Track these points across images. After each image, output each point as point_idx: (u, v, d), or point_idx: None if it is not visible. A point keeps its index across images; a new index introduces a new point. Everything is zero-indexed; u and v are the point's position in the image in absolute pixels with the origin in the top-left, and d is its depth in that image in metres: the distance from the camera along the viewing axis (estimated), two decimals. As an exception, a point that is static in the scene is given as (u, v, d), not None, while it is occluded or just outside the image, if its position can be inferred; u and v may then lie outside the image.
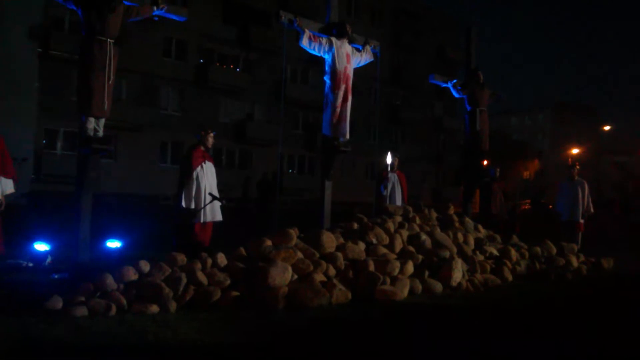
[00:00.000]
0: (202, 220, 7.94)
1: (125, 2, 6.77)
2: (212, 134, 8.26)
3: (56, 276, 6.94)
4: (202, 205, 7.87)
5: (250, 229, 11.87)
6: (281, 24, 8.33)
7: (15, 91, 22.04)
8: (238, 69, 32.97)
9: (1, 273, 6.57)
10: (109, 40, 6.54)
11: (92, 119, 6.57)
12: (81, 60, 6.60)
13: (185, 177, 7.95)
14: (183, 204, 7.90)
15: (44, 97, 24.19)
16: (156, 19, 7.39)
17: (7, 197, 6.54)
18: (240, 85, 31.97)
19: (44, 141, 26.02)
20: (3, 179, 6.28)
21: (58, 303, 5.13)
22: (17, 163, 6.89)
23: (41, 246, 7.83)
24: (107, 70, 6.53)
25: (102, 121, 6.70)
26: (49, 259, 7.77)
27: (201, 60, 31.34)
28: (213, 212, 8.04)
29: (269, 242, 6.50)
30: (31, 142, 23.62)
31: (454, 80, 11.34)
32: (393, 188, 10.72)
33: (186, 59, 30.66)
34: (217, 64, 31.94)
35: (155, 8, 7.11)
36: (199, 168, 7.96)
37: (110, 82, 6.57)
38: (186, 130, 28.69)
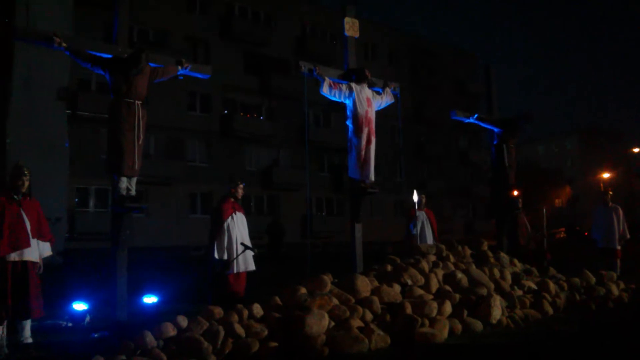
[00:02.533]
0: (235, 271, 7.99)
1: (151, 65, 6.99)
2: (241, 185, 8.39)
3: (96, 335, 7.01)
4: (235, 256, 7.94)
5: (283, 275, 11.88)
6: (302, 74, 8.51)
7: (46, 152, 22.62)
8: (261, 117, 33.50)
9: (41, 334, 6.65)
10: (136, 101, 6.73)
11: (124, 179, 6.72)
12: (110, 122, 6.78)
13: (217, 229, 8.04)
14: (216, 255, 7.98)
15: (74, 157, 24.79)
16: (181, 77, 7.61)
17: (44, 259, 6.67)
18: (264, 133, 32.43)
19: (76, 200, 26.54)
20: (41, 243, 6.43)
21: (99, 363, 5.17)
22: (51, 223, 7.06)
23: (80, 305, 7.93)
24: (136, 130, 6.70)
25: (134, 180, 6.84)
26: (87, 318, 7.85)
27: (225, 111, 31.93)
28: (246, 262, 8.11)
29: (303, 290, 6.49)
30: (64, 201, 24.12)
31: (476, 115, 11.38)
32: (422, 226, 10.67)
33: (211, 111, 31.27)
34: (241, 114, 32.50)
35: (180, 67, 7.33)
36: (229, 219, 8.07)
37: (139, 142, 6.73)
38: (214, 180, 29.09)
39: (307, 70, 8.41)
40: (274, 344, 5.75)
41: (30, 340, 6.28)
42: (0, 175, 10.23)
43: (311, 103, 31.63)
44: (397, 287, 7.04)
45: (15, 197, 6.28)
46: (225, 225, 8.00)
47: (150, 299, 8.44)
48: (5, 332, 6.12)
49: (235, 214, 8.20)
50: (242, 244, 7.87)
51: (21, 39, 6.98)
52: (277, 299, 6.43)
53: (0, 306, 6.02)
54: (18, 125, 10.95)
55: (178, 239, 26.89)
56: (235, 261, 7.97)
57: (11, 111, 10.84)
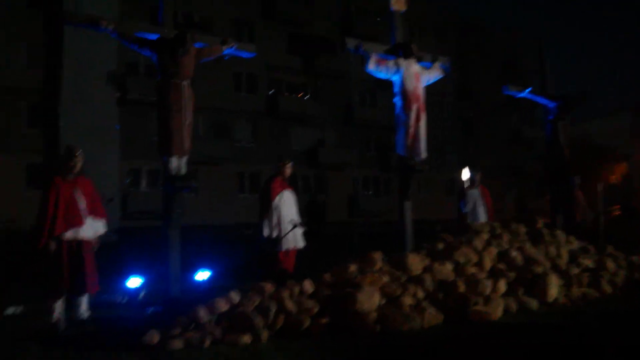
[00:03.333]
0: (284, 248, 8.01)
1: (197, 45, 7.00)
2: (289, 164, 8.36)
3: (150, 310, 7.16)
4: (284, 234, 7.96)
5: (331, 253, 11.88)
6: (347, 50, 8.39)
7: (98, 135, 23.15)
8: (307, 97, 33.46)
9: (97, 309, 6.82)
10: (183, 82, 6.76)
11: (174, 159, 6.79)
12: (159, 103, 6.83)
13: (265, 207, 8.07)
14: (265, 233, 8.02)
15: (124, 139, 25.30)
16: (227, 57, 7.61)
17: (99, 236, 6.81)
18: (310, 113, 32.40)
19: (129, 180, 27.17)
20: (95, 221, 6.57)
21: (155, 337, 5.27)
22: (105, 203, 7.22)
23: (134, 281, 8.12)
24: (184, 111, 6.74)
25: (184, 159, 6.91)
26: (142, 294, 8.03)
27: (271, 92, 32.03)
28: (295, 239, 8.11)
29: (353, 268, 6.45)
30: (116, 182, 24.70)
31: (529, 88, 11.04)
32: (475, 205, 10.45)
33: (256, 91, 31.41)
34: (286, 94, 32.54)
35: (225, 47, 7.32)
36: (277, 197, 8.07)
37: (188, 122, 6.78)
38: (261, 160, 29.31)
39: (353, 47, 8.30)
40: (325, 320, 5.75)
41: (87, 315, 6.45)
42: (55, 158, 10.48)
43: (357, 81, 31.57)
44: (449, 265, 6.93)
45: (69, 177, 6.41)
46: (274, 203, 8.02)
47: (202, 275, 8.57)
48: (63, 308, 6.30)
49: (283, 192, 8.20)
50: (291, 221, 7.90)
51: (70, 23, 7.09)
52: (328, 276, 6.42)
53: (58, 282, 6.19)
54: (70, 109, 11.19)
55: (227, 218, 27.24)
56: (284, 238, 7.99)
57: (63, 95, 11.07)
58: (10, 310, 7.56)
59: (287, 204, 8.17)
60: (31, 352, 5.26)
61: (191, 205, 23.78)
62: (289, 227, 7.91)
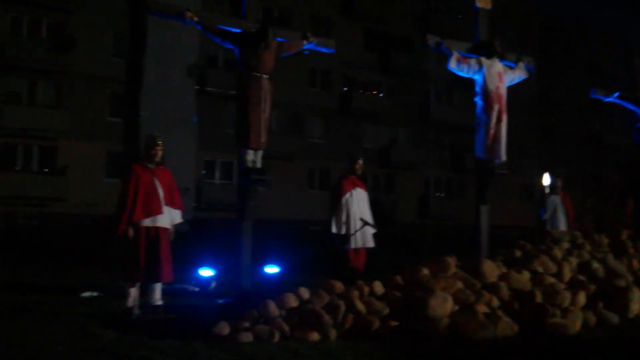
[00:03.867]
0: (353, 246, 7.93)
1: (278, 39, 7.01)
2: (360, 161, 8.26)
3: (221, 301, 7.26)
4: (353, 231, 7.88)
5: (400, 255, 11.72)
6: (427, 47, 8.20)
7: (176, 126, 23.77)
8: (381, 95, 33.24)
9: (170, 297, 6.96)
10: (263, 75, 6.79)
11: (250, 151, 6.82)
12: (239, 96, 6.88)
13: (335, 204, 8.01)
14: (333, 230, 7.96)
15: (201, 131, 25.91)
16: (306, 52, 7.59)
17: (175, 225, 6.95)
18: (383, 111, 32.18)
19: (204, 172, 27.82)
20: (172, 210, 6.69)
21: (225, 329, 5.31)
22: (181, 193, 7.38)
23: (206, 271, 8.26)
24: (263, 104, 6.76)
25: (260, 153, 6.94)
26: (213, 284, 8.16)
27: (345, 88, 31.99)
28: (364, 238, 8.00)
29: (426, 271, 6.30)
30: (192, 172, 25.34)
31: (617, 93, 10.48)
32: (555, 211, 10.03)
33: (330, 88, 31.46)
34: (360, 91, 32.43)
35: (305, 42, 7.30)
36: (348, 195, 7.99)
37: (266, 115, 6.80)
38: (332, 157, 29.34)
39: (434, 44, 8.09)
40: (395, 323, 5.64)
41: (160, 302, 6.59)
42: (135, 147, 10.80)
43: (433, 80, 31.07)
44: (526, 274, 6.65)
45: (149, 166, 6.56)
46: (344, 200, 7.95)
47: (272, 269, 8.63)
48: (138, 294, 6.46)
49: (354, 190, 8.10)
50: (361, 219, 7.81)
51: (154, 14, 7.22)
52: (399, 278, 6.29)
53: (134, 269, 6.35)
54: (151, 100, 11.51)
55: (296, 213, 27.47)
56: (353, 237, 7.91)
57: (144, 86, 11.38)
58: (86, 294, 7.86)
59: (357, 202, 8.07)
60: (105, 335, 5.42)
61: (261, 199, 24.09)
62: (358, 225, 7.83)
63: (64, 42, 25.52)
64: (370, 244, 8.08)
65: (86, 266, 11.27)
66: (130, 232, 6.30)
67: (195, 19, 6.60)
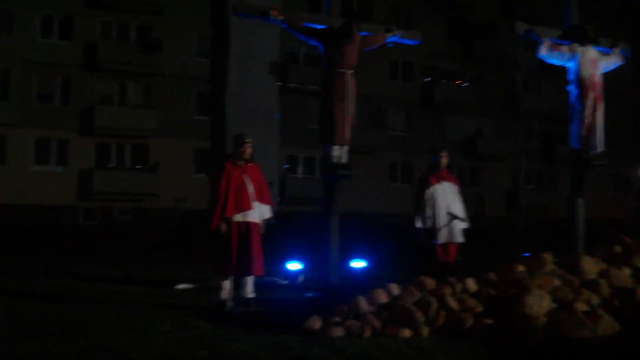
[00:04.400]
0: (440, 241, 7.76)
1: (361, 33, 6.97)
2: (443, 154, 8.06)
3: (309, 295, 7.34)
4: (439, 226, 7.70)
5: (489, 250, 11.44)
6: (515, 35, 7.94)
7: (260, 123, 24.22)
8: (464, 85, 32.50)
9: (259, 290, 7.10)
10: (347, 71, 6.79)
11: (336, 147, 6.85)
12: (323, 92, 6.92)
13: (419, 198, 7.87)
14: (418, 224, 7.82)
15: (284, 126, 26.27)
16: (391, 45, 7.50)
17: (264, 220, 7.08)
18: (467, 101, 31.46)
19: (286, 166, 28.23)
20: (262, 205, 6.83)
21: (317, 323, 5.36)
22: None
23: (294, 265, 8.38)
24: (347, 100, 6.76)
25: (345, 148, 6.95)
26: (301, 278, 8.26)
27: (426, 79, 31.51)
28: (451, 233, 7.79)
29: (521, 268, 6.10)
30: (275, 167, 25.79)
31: None
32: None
33: (412, 79, 31.08)
34: (443, 82, 31.85)
35: (389, 35, 7.22)
36: (432, 188, 7.80)
37: (351, 111, 6.80)
38: (414, 149, 29.00)
39: (523, 32, 7.83)
40: (489, 320, 5.50)
41: (252, 295, 6.74)
42: (220, 143, 11.08)
43: (519, 67, 30.02)
44: (627, 271, 6.32)
45: (239, 163, 6.72)
46: (428, 194, 7.76)
47: (358, 264, 8.63)
48: (230, 287, 6.63)
49: (440, 183, 7.91)
50: (448, 213, 7.61)
51: (240, 15, 7.37)
52: (492, 275, 6.13)
53: (226, 263, 6.52)
54: (235, 98, 11.78)
55: (378, 207, 27.38)
56: (440, 231, 7.73)
57: (229, 84, 11.66)
58: (181, 286, 8.15)
59: (444, 195, 7.88)
60: (201, 326, 5.60)
61: (344, 193, 24.16)
62: (446, 219, 7.64)
63: (151, 44, 26.58)
64: (459, 239, 7.86)
65: (178, 259, 11.74)
66: (223, 227, 6.48)
67: (280, 17, 6.69)
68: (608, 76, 8.30)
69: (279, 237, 11.84)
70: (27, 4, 24.67)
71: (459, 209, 7.65)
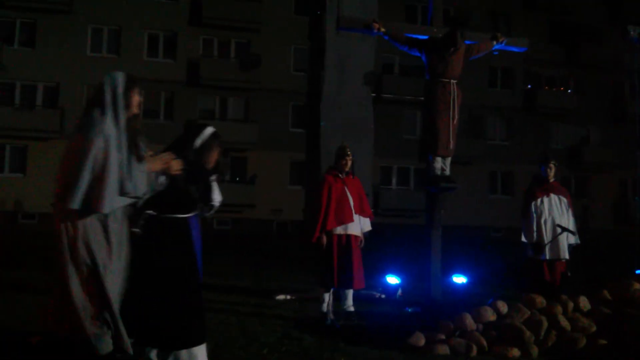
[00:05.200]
0: (545, 257, 7.41)
1: (466, 42, 6.82)
2: (551, 164, 7.69)
3: (410, 310, 7.22)
4: (545, 241, 7.36)
5: (597, 266, 10.83)
6: (627, 39, 7.51)
7: (355, 134, 24.31)
8: (569, 91, 31.14)
9: (357, 303, 7.07)
10: (452, 81, 6.65)
11: (439, 159, 6.71)
12: (426, 102, 6.81)
13: (524, 211, 7.57)
14: (523, 238, 7.53)
15: (378, 137, 26.18)
16: (496, 53, 7.28)
17: (364, 233, 7.06)
18: (571, 108, 30.09)
19: (381, 178, 28.13)
20: (362, 218, 6.83)
21: (421, 340, 5.27)
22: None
23: (392, 279, 8.28)
24: (451, 110, 6.62)
25: (449, 160, 6.80)
26: (399, 292, 8.15)
27: (528, 86, 30.46)
28: (557, 249, 7.40)
29: (637, 285, 5.72)
30: (369, 179, 25.75)
31: None
32: None
33: (512, 86, 30.14)
34: (546, 88, 30.65)
35: (495, 43, 7.02)
36: (539, 201, 7.47)
37: (454, 121, 6.64)
38: (515, 159, 28.06)
39: (636, 35, 7.39)
40: (603, 341, 5.20)
41: (352, 308, 6.72)
42: (316, 155, 11.22)
43: (627, 72, 28.36)
44: None
45: (340, 175, 6.76)
46: (534, 206, 7.44)
47: (459, 279, 8.40)
48: (331, 300, 6.64)
49: (547, 196, 7.56)
50: (558, 225, 7.23)
51: (344, 29, 7.44)
52: (606, 292, 5.79)
53: (328, 275, 6.55)
54: (330, 109, 11.91)
55: (477, 219, 26.66)
56: (547, 247, 7.38)
57: (324, 97, 11.82)
58: (281, 297, 8.27)
59: (550, 209, 7.53)
60: (304, 339, 5.63)
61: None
62: (552, 234, 7.28)
63: (250, 60, 27.41)
64: (565, 255, 7.46)
65: (278, 269, 11.93)
66: (324, 239, 6.52)
67: (383, 29, 6.67)
68: None
69: (376, 249, 11.79)
70: (134, 24, 26.18)
71: (568, 223, 7.28)
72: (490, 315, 5.48)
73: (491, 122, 30.05)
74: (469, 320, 5.40)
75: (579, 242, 7.30)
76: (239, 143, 26.84)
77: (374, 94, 28.54)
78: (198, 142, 4.42)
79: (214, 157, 4.59)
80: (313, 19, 12.88)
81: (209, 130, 4.51)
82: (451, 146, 6.69)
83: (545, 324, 5.25)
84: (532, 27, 29.57)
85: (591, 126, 30.91)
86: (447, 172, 6.77)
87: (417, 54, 6.84)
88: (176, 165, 4.11)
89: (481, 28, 19.90)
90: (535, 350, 5.10)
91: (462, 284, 8.35)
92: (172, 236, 4.12)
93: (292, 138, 26.73)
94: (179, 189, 4.17)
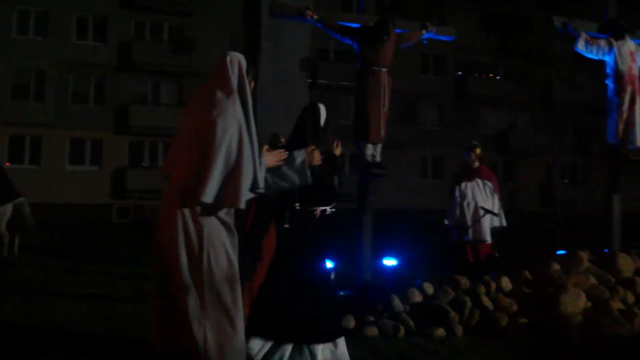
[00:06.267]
0: (468, 239, 7.67)
1: (397, 31, 6.96)
2: (474, 151, 7.93)
3: (341, 293, 7.34)
4: (468, 224, 7.62)
5: (523, 247, 11.31)
6: (553, 29, 7.82)
7: (291, 119, 24.31)
8: (498, 77, 32.13)
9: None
10: (382, 69, 6.78)
11: (370, 145, 6.85)
12: (358, 90, 6.92)
13: (449, 195, 7.82)
14: (447, 221, 7.78)
15: (314, 123, 26.33)
16: (425, 42, 7.46)
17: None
18: (501, 95, 31.04)
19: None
20: None
21: (351, 322, 5.39)
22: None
23: (326, 263, 8.38)
24: (382, 98, 6.75)
25: (379, 146, 6.94)
26: (332, 275, 8.25)
27: (459, 73, 31.22)
28: (479, 231, 7.66)
29: (557, 266, 6.05)
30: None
31: None
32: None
33: (444, 73, 30.82)
34: (476, 75, 31.52)
35: (424, 31, 7.18)
36: (463, 185, 7.72)
37: (385, 109, 6.77)
38: (446, 144, 28.76)
39: (560, 25, 7.69)
40: (524, 320, 5.48)
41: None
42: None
43: (554, 60, 29.51)
44: (665, 268, 6.23)
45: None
46: (457, 190, 7.69)
47: (389, 262, 8.59)
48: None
49: (472, 180, 7.82)
50: (481, 207, 7.50)
51: (277, 15, 7.44)
52: (527, 273, 6.09)
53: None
54: (266, 95, 11.87)
55: (408, 203, 27.23)
56: (470, 229, 7.64)
57: (260, 81, 11.76)
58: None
59: (474, 193, 7.78)
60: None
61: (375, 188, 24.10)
62: (475, 217, 7.54)
63: (183, 44, 26.89)
64: (486, 237, 7.70)
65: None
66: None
67: (315, 17, 6.72)
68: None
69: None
70: (62, 6, 25.19)
71: (492, 206, 7.55)
72: (417, 297, 5.68)
73: (423, 108, 30.65)
74: (397, 302, 5.57)
75: (504, 224, 7.56)
76: (172, 128, 26.27)
77: (309, 80, 28.45)
78: (322, 122, 4.26)
79: (330, 138, 4.41)
80: (248, 3, 12.79)
81: (323, 108, 4.36)
82: (382, 133, 6.83)
83: (469, 304, 5.49)
84: (464, 16, 30.26)
85: (519, 112, 32.01)
86: (378, 158, 6.91)
87: (350, 42, 6.93)
88: (317, 156, 3.88)
89: (415, 17, 20.25)
90: (459, 330, 5.32)
91: (392, 266, 8.55)
92: (317, 229, 4.07)
93: (228, 123, 26.50)
94: (322, 180, 4.04)
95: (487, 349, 4.88)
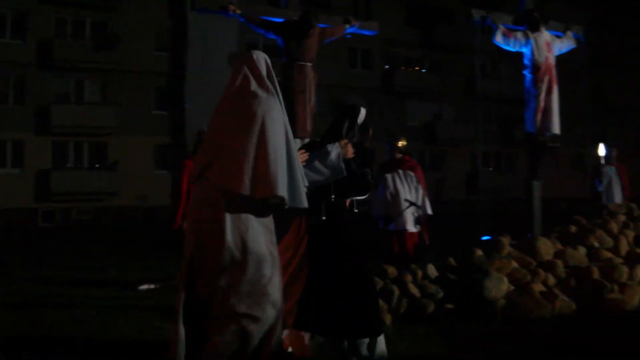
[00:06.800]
0: (393, 229, 7.81)
1: (320, 25, 6.98)
2: (399, 142, 8.09)
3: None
4: (394, 214, 7.75)
5: (450, 234, 11.63)
6: (472, 22, 8.04)
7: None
8: (424, 71, 32.83)
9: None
10: (307, 64, 6.80)
11: (297, 140, 6.84)
12: (283, 85, 6.91)
13: (376, 186, 7.90)
14: (373, 212, 7.90)
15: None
16: (349, 36, 7.53)
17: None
18: (427, 87, 31.78)
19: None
20: None
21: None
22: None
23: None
24: (307, 92, 6.78)
25: (307, 140, 6.94)
26: None
27: (386, 67, 31.69)
28: (404, 221, 7.80)
29: (479, 252, 6.25)
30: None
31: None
32: (610, 183, 9.77)
33: (372, 67, 31.21)
34: (403, 68, 32.09)
35: (347, 26, 7.25)
36: (387, 177, 7.85)
37: (311, 103, 6.81)
38: (375, 136, 29.04)
39: (479, 18, 7.91)
40: (450, 306, 5.64)
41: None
42: (181, 138, 11.05)
43: (478, 53, 30.36)
44: (582, 250, 6.55)
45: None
46: (381, 182, 7.83)
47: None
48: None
49: (398, 171, 7.95)
50: (406, 200, 7.65)
51: (199, 10, 7.34)
52: (452, 260, 6.27)
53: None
54: (194, 91, 11.70)
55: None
56: (397, 219, 7.78)
57: (187, 78, 11.58)
58: (144, 287, 8.03)
59: (398, 183, 7.91)
60: (166, 328, 5.53)
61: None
62: (399, 208, 7.67)
63: (107, 39, 26.05)
64: (410, 226, 7.85)
65: (146, 258, 11.57)
66: (185, 225, 6.42)
67: (238, 11, 6.65)
68: (565, 58, 8.49)
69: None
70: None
71: (415, 197, 7.70)
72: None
73: (352, 101, 30.99)
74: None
75: (430, 212, 7.75)
76: (97, 128, 25.57)
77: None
78: (359, 122, 4.46)
79: (368, 137, 4.63)
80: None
81: (364, 110, 4.57)
82: (308, 127, 6.85)
83: (397, 293, 5.59)
84: (389, 10, 30.73)
85: (444, 104, 32.87)
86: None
87: (274, 36, 6.90)
88: (350, 150, 4.07)
89: (342, 11, 20.37)
90: (388, 318, 5.40)
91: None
92: (352, 222, 4.15)
93: (155, 121, 25.89)
94: (355, 173, 4.16)
95: (414, 335, 4.99)
